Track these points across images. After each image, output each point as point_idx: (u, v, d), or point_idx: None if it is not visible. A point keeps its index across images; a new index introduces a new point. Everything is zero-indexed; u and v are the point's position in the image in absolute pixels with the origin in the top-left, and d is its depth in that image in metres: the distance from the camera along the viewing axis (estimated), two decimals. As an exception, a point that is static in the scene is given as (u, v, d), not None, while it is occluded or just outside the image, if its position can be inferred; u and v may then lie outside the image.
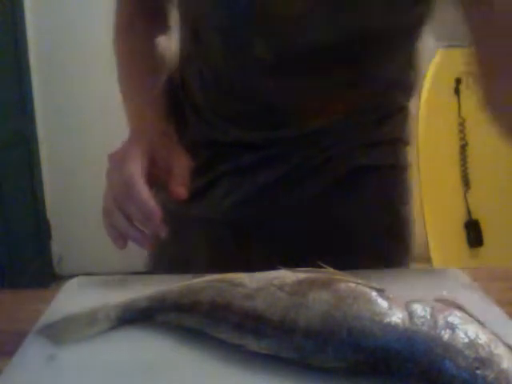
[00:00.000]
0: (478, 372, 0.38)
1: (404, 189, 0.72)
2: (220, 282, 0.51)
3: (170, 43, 0.74)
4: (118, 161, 0.58)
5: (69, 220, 2.64)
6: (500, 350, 0.39)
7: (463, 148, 2.61)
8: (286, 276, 0.49)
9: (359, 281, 0.46)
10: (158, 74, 0.70)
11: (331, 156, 0.66)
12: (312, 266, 0.48)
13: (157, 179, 0.59)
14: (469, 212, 2.64)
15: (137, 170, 0.55)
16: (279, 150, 0.65)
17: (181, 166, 0.60)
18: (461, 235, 2.66)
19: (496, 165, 2.64)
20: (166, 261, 0.75)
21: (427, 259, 2.65)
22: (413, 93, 0.70)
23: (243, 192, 0.68)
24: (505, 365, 0.38)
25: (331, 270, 0.49)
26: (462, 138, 2.60)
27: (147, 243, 0.56)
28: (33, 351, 0.48)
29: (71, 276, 0.62)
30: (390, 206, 0.70)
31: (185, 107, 0.71)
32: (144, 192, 0.54)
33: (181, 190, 0.58)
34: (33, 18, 2.53)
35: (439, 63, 2.57)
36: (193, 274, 0.55)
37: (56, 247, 2.64)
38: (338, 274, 0.48)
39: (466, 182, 2.63)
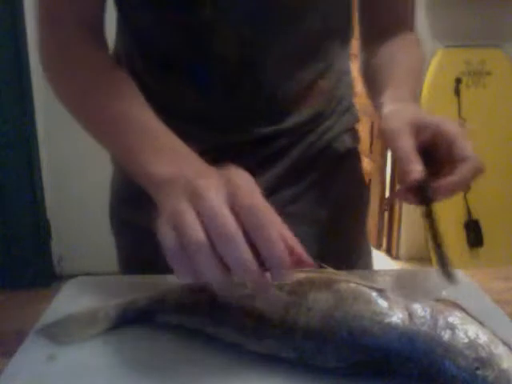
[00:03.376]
0: (478, 372, 0.38)
1: None
2: (220, 282, 0.51)
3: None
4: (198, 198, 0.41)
5: (69, 220, 2.63)
6: (500, 350, 0.39)
7: (463, 148, 2.61)
8: (286, 276, 0.49)
9: (359, 281, 0.46)
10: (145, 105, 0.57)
11: (326, 144, 0.71)
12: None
13: None
14: (469, 212, 2.64)
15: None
16: (280, 146, 0.68)
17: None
18: (461, 235, 2.66)
19: (496, 165, 2.64)
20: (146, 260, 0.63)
21: (427, 259, 2.65)
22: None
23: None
24: (505, 365, 0.38)
25: (331, 270, 0.49)
26: (462, 138, 2.60)
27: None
28: (33, 351, 0.48)
29: (71, 276, 0.62)
30: (363, 180, 0.79)
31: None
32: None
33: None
34: (33, 18, 2.52)
35: (439, 63, 2.57)
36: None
37: (56, 247, 2.64)
38: (338, 274, 0.48)
39: (465, 182, 2.63)
